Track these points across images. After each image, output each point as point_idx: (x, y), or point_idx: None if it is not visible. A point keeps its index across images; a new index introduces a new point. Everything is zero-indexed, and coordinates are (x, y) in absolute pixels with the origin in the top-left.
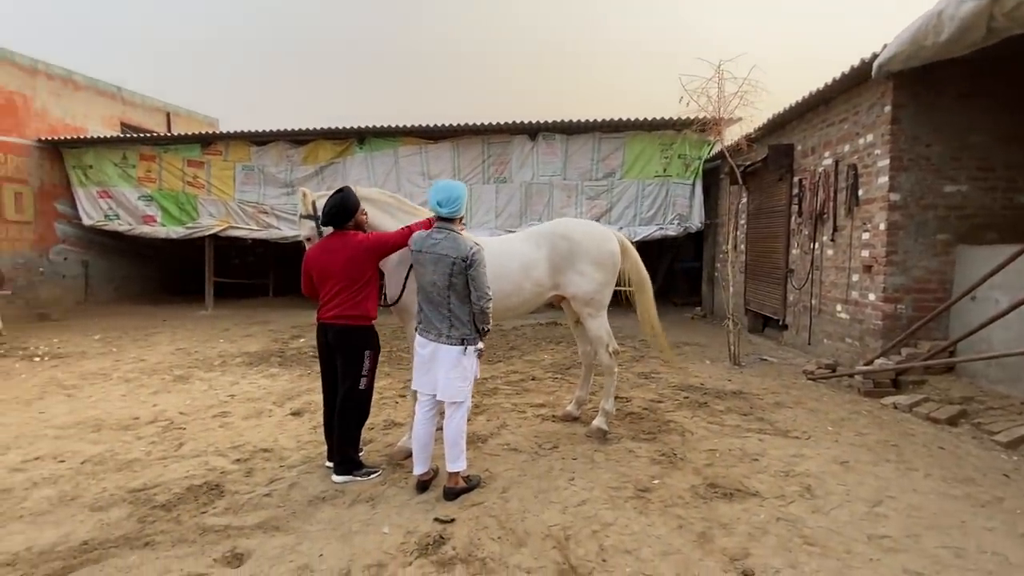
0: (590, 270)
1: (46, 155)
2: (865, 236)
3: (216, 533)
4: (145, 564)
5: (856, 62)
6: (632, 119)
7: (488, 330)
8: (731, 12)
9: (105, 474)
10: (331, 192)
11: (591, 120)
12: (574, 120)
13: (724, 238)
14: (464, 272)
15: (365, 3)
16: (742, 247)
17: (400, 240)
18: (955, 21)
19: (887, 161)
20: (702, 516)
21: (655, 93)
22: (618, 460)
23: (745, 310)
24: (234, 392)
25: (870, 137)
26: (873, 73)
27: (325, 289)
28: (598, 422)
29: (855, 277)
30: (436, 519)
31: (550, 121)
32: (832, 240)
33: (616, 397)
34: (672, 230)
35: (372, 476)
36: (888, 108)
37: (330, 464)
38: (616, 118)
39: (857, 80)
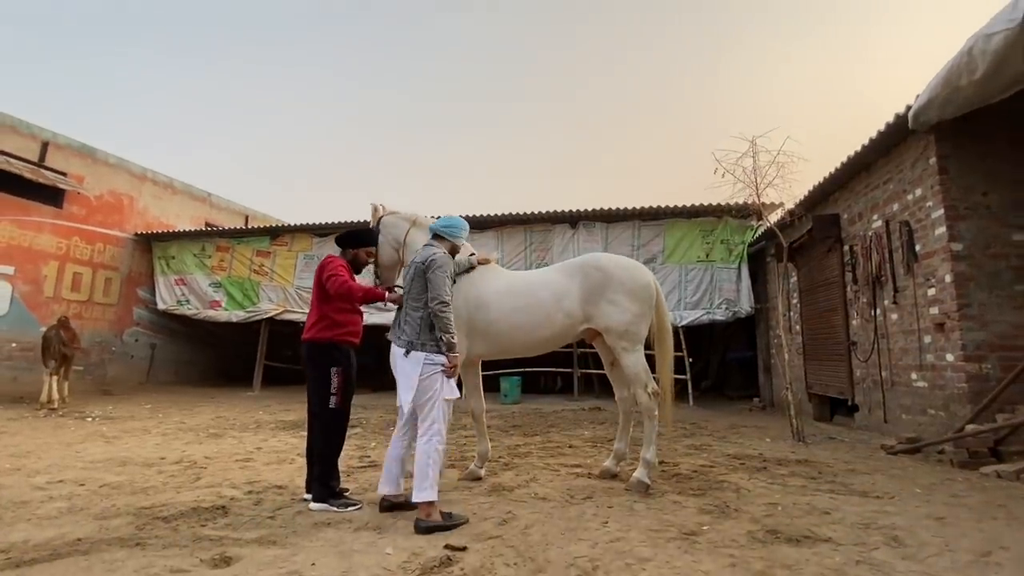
0: (624, 301)
1: (138, 246)
2: (931, 292)
3: (210, 541)
4: (130, 560)
5: (891, 118)
6: (671, 206)
7: (450, 341)
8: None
9: (119, 496)
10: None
11: (630, 208)
12: (613, 208)
13: (776, 321)
14: (423, 275)
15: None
16: (797, 327)
17: (341, 286)
18: (987, 56)
19: (941, 211)
20: (760, 556)
21: (694, 181)
22: (661, 509)
23: (808, 395)
24: (262, 446)
25: (919, 191)
26: (910, 123)
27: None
28: (639, 474)
29: (927, 339)
30: (447, 545)
31: (590, 209)
32: (895, 303)
33: (662, 462)
34: (720, 315)
35: (349, 509)
36: (933, 160)
37: (307, 496)
38: (655, 205)
39: (895, 139)
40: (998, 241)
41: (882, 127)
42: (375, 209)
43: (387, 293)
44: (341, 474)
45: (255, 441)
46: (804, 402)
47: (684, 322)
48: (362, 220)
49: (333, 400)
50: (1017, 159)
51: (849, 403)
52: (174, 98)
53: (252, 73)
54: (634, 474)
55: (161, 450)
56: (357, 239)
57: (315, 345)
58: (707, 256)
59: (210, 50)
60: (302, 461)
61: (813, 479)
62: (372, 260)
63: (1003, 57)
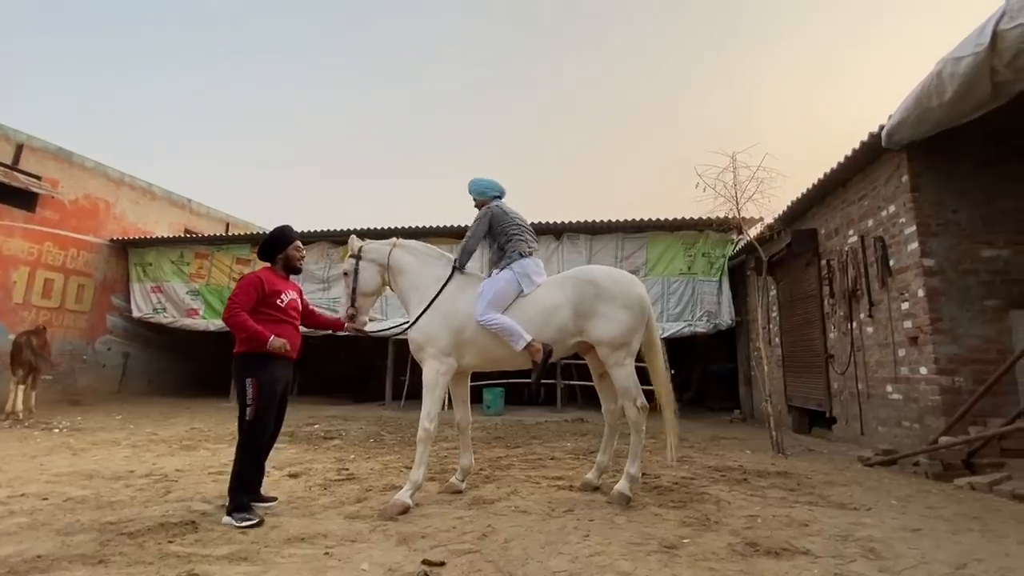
0: (617, 313)
1: (113, 252)
2: (904, 306)
3: (178, 558)
4: None
5: (865, 137)
6: (654, 219)
7: None
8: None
9: (83, 511)
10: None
11: (614, 220)
12: (597, 220)
13: (756, 334)
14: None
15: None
16: (777, 340)
17: (232, 317)
18: (956, 79)
19: (913, 228)
20: (740, 570)
21: (677, 194)
22: (641, 522)
23: (788, 407)
24: None
25: (892, 208)
26: (883, 142)
27: None
28: (621, 487)
29: (902, 352)
30: (424, 561)
31: (574, 222)
32: (870, 316)
33: (644, 474)
34: (701, 327)
35: (244, 524)
36: (906, 178)
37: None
38: (638, 218)
39: (869, 157)
40: (968, 257)
41: (857, 145)
42: (352, 241)
43: (271, 339)
44: (318, 486)
45: (230, 453)
46: (784, 414)
47: (666, 334)
48: (343, 230)
49: (248, 411)
50: (986, 178)
51: (827, 415)
52: (156, 103)
53: (238, 78)
54: (616, 486)
55: (130, 463)
56: (274, 244)
57: (235, 357)
58: (689, 269)
59: (193, 54)
60: (278, 475)
61: (792, 491)
62: (302, 255)
63: (971, 80)
